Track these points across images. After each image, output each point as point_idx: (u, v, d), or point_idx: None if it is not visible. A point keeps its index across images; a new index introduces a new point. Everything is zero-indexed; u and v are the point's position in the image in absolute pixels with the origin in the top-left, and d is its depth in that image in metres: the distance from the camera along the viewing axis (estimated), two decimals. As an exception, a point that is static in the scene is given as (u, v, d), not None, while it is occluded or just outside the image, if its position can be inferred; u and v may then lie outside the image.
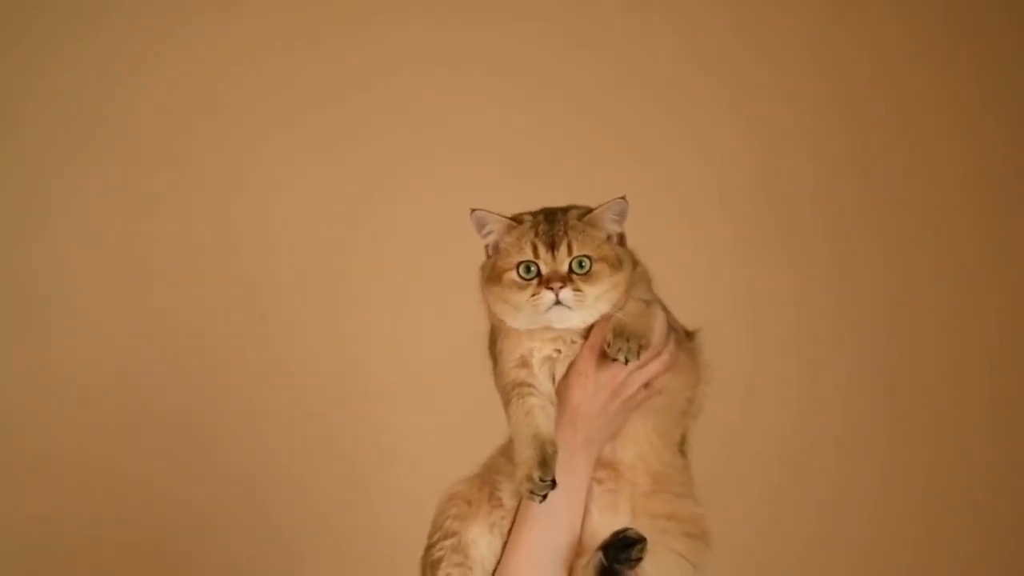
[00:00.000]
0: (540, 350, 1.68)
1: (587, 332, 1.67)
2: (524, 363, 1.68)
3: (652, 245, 2.67)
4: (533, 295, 1.62)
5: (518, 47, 2.81)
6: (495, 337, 1.72)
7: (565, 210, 1.68)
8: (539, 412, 1.65)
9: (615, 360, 1.61)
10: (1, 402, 2.55)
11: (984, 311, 2.92)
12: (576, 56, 2.83)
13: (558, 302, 1.62)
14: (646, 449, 1.71)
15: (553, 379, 1.69)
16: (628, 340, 1.61)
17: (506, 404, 1.68)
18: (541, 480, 1.60)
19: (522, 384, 1.67)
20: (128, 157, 2.63)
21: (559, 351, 1.68)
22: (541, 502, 1.61)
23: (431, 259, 2.68)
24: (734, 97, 2.89)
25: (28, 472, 2.54)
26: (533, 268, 1.64)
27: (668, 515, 1.68)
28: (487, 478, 1.73)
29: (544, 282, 1.63)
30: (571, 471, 1.65)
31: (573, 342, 1.68)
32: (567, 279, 1.63)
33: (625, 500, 1.69)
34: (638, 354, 1.61)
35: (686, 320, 1.75)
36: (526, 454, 1.62)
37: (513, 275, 1.64)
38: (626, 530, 1.62)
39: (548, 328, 1.66)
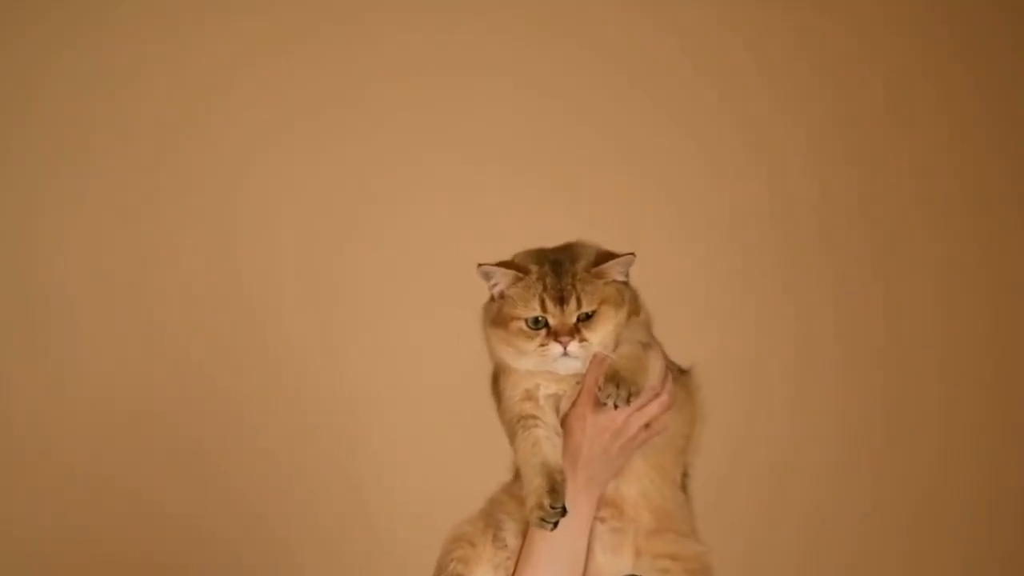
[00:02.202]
0: (545, 387, 1.68)
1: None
2: (529, 396, 1.68)
3: (652, 256, 2.68)
4: (541, 345, 1.63)
5: (520, 52, 2.80)
6: (498, 374, 1.72)
7: (572, 259, 1.67)
8: (546, 443, 1.66)
9: (605, 405, 1.62)
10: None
11: (984, 323, 2.92)
12: (578, 61, 2.83)
13: (565, 353, 1.63)
14: (647, 485, 1.71)
15: (558, 411, 1.69)
16: (618, 387, 1.61)
17: (512, 437, 1.68)
18: (552, 507, 1.61)
19: (527, 416, 1.67)
20: (127, 159, 2.63)
21: (564, 390, 1.68)
22: (552, 530, 1.62)
23: (430, 265, 2.68)
24: (737, 108, 2.89)
25: (24, 477, 2.54)
26: (541, 320, 1.64)
27: (671, 555, 1.68)
28: (490, 518, 1.73)
29: (553, 335, 1.63)
30: (574, 512, 1.65)
31: (577, 383, 1.68)
32: (574, 331, 1.64)
33: (629, 540, 1.70)
34: (628, 400, 1.61)
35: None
36: (535, 483, 1.63)
37: (521, 324, 1.64)
38: None
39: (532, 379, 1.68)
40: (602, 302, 1.64)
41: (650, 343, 1.70)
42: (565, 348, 1.63)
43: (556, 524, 1.62)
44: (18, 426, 2.55)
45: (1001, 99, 2.98)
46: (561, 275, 1.65)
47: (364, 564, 2.61)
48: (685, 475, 1.76)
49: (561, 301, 1.63)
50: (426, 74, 2.75)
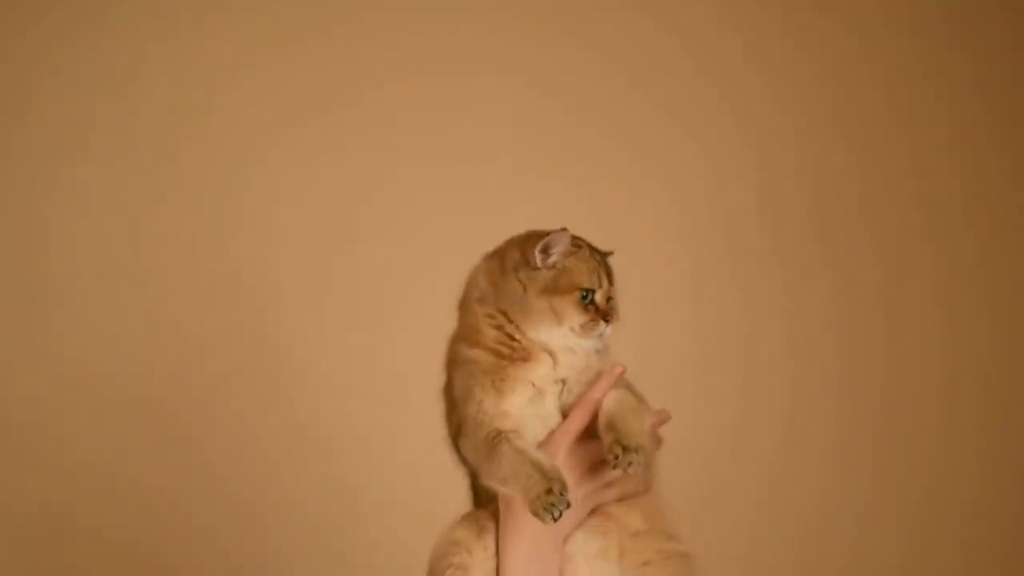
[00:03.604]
0: (527, 399, 1.66)
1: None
2: (505, 415, 1.65)
3: (652, 255, 2.69)
4: (591, 321, 1.65)
5: (521, 52, 2.81)
6: (459, 399, 1.68)
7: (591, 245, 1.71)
8: (532, 449, 1.62)
9: (614, 467, 1.56)
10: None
11: (984, 322, 2.93)
12: (577, 61, 2.83)
13: (600, 334, 1.66)
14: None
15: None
16: (637, 452, 1.56)
17: (488, 455, 1.63)
18: (561, 493, 1.54)
19: (506, 431, 1.63)
20: (128, 159, 2.63)
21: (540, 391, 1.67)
22: (556, 519, 1.54)
23: (431, 265, 2.68)
24: (736, 107, 2.90)
25: (21, 468, 2.55)
26: (589, 296, 1.66)
27: (657, 550, 1.67)
28: (482, 524, 1.71)
29: (601, 313, 1.66)
30: (540, 558, 1.63)
31: (569, 390, 1.67)
32: (610, 314, 1.67)
33: (614, 544, 1.67)
34: (631, 466, 1.56)
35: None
36: (535, 477, 1.56)
37: (578, 296, 1.65)
38: None
39: (539, 363, 1.66)
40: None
41: (642, 397, 1.68)
42: (605, 328, 1.66)
43: (561, 514, 1.54)
44: (17, 424, 2.55)
45: (1001, 98, 2.99)
46: (599, 256, 1.70)
47: (360, 564, 2.61)
48: None
49: (610, 280, 1.68)
50: (426, 74, 2.76)
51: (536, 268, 1.66)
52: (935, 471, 2.89)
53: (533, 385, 1.66)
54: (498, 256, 1.72)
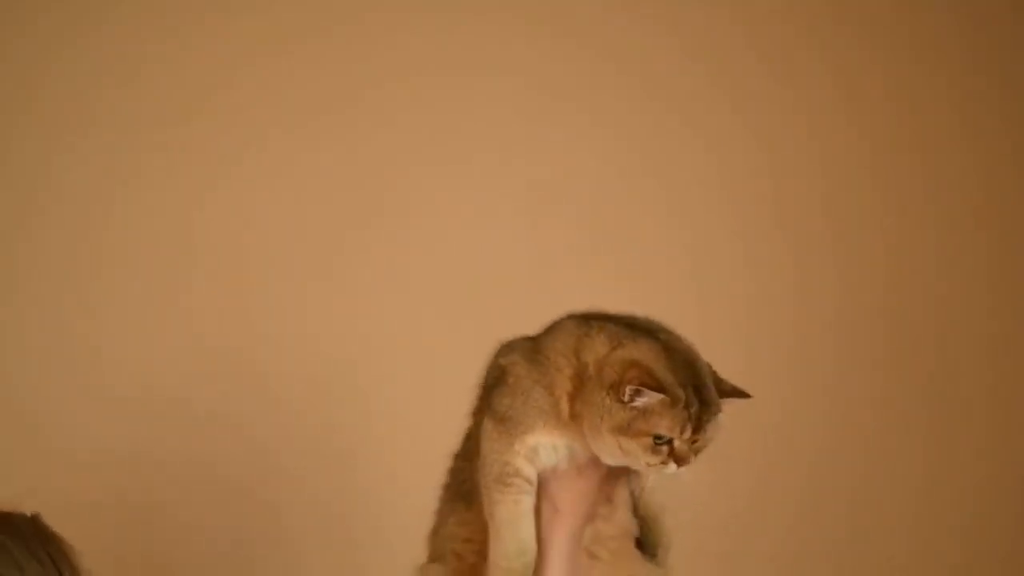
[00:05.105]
0: (548, 448, 1.67)
1: None
2: (529, 458, 1.66)
3: (652, 255, 2.69)
4: (662, 463, 1.61)
5: (521, 52, 2.81)
6: (518, 408, 1.68)
7: (706, 383, 1.64)
8: (531, 519, 1.65)
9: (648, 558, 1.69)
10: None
11: (985, 320, 2.93)
12: (579, 61, 2.83)
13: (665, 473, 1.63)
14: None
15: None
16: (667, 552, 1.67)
17: (495, 486, 1.66)
18: None
19: (521, 477, 1.65)
20: (128, 159, 2.63)
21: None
22: None
23: (432, 265, 2.69)
24: (742, 107, 2.89)
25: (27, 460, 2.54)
26: (664, 439, 1.61)
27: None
28: (460, 573, 1.73)
29: (676, 459, 1.61)
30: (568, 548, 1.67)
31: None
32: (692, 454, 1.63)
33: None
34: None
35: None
36: (509, 564, 1.63)
37: (649, 441, 1.60)
38: None
39: None
40: None
41: None
42: (678, 468, 1.61)
43: None
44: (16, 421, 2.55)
45: (1016, 95, 2.99)
46: (703, 405, 1.62)
47: (367, 551, 2.61)
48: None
49: (696, 431, 1.61)
50: (426, 74, 2.76)
51: (620, 401, 1.61)
52: (935, 469, 2.89)
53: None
54: (598, 341, 1.66)
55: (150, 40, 2.64)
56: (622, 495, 1.73)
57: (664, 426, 1.59)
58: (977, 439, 2.93)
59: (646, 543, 1.69)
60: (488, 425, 1.68)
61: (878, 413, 2.91)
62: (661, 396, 1.59)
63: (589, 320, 1.69)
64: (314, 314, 2.68)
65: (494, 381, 1.71)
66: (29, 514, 1.54)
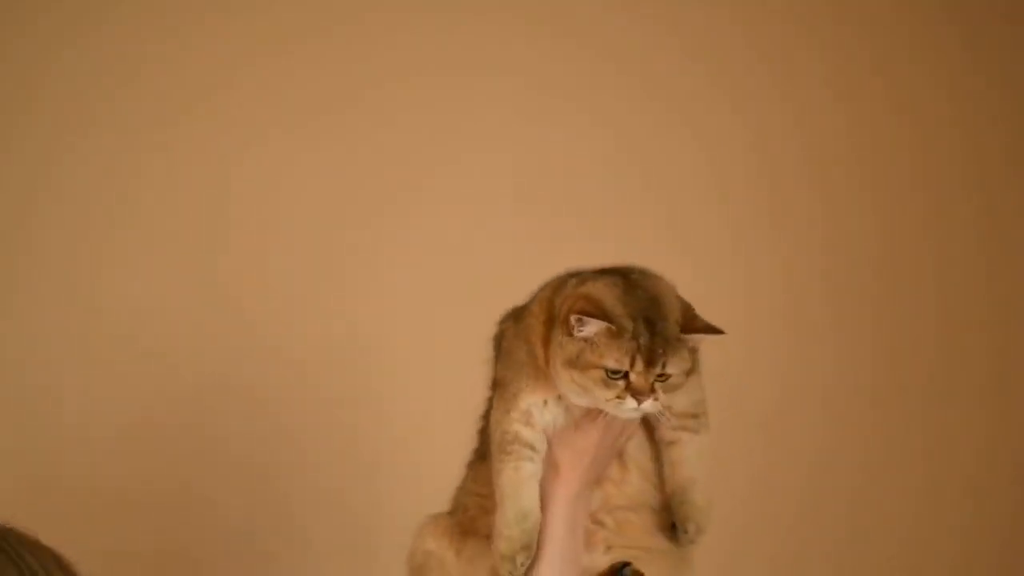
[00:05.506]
0: (544, 412, 1.66)
1: None
2: (528, 421, 1.65)
3: (652, 256, 2.68)
4: (618, 398, 1.59)
5: (521, 52, 2.81)
6: (499, 383, 1.69)
7: (664, 316, 1.60)
8: (534, 484, 1.64)
9: (679, 534, 1.67)
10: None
11: (984, 320, 2.93)
12: (580, 60, 2.83)
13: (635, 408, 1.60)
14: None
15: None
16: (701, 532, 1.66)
17: (498, 455, 1.65)
18: (522, 565, 1.61)
19: (523, 443, 1.65)
20: (128, 159, 2.63)
21: (559, 415, 1.68)
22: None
23: (433, 265, 2.69)
24: (740, 108, 2.89)
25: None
26: (621, 372, 1.59)
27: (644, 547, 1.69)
28: (452, 529, 1.73)
29: (632, 392, 1.58)
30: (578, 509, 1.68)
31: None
32: (652, 389, 1.59)
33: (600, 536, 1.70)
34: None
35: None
36: (513, 532, 1.62)
37: (601, 373, 1.58)
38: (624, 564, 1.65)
39: None
40: (681, 372, 1.61)
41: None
42: (639, 405, 1.58)
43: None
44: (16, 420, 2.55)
45: (1012, 95, 2.99)
46: (654, 336, 1.58)
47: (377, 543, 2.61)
48: None
49: (650, 363, 1.57)
50: (426, 74, 2.76)
51: (569, 334, 1.60)
52: (934, 469, 2.89)
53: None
54: (569, 284, 1.67)
55: (150, 40, 2.64)
56: (637, 460, 1.71)
57: (612, 357, 1.57)
58: (976, 438, 2.93)
59: (675, 520, 1.66)
60: (492, 395, 1.71)
61: (877, 413, 2.91)
62: (606, 325, 1.57)
63: (579, 272, 1.70)
64: (314, 314, 2.68)
65: (495, 350, 1.74)
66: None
